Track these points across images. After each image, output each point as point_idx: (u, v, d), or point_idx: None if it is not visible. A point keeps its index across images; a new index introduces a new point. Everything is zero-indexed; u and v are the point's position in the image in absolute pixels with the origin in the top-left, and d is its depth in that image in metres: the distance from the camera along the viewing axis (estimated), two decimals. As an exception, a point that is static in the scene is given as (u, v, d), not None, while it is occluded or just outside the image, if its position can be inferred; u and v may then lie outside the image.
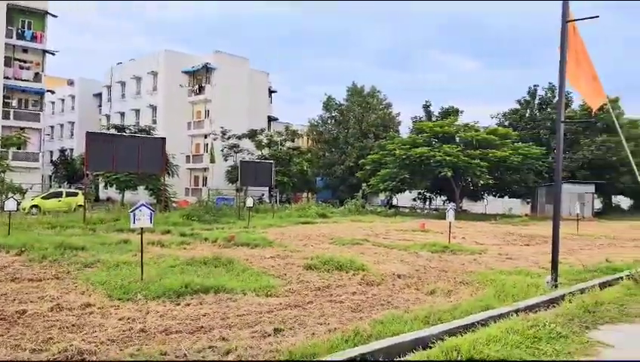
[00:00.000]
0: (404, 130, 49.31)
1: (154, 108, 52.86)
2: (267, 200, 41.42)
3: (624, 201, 48.37)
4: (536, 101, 46.46)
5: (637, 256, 12.20)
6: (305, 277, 8.97)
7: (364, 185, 39.01)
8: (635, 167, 10.98)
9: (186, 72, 52.59)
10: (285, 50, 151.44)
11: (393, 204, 43.30)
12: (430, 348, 4.68)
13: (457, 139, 37.42)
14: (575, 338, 5.35)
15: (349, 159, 47.73)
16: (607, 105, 9.85)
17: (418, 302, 7.32)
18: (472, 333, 5.10)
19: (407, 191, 41.35)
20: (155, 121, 50.42)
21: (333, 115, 53.11)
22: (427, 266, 10.63)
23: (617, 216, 39.31)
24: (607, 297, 6.96)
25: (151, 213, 8.06)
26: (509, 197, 42.99)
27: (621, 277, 8.52)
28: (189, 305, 6.72)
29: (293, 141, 49.21)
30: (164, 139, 24.49)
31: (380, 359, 4.46)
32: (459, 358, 4.34)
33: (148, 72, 52.87)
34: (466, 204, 43.45)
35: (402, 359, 4.46)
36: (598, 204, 43.97)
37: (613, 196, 46.86)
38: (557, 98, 8.33)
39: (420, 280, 9.07)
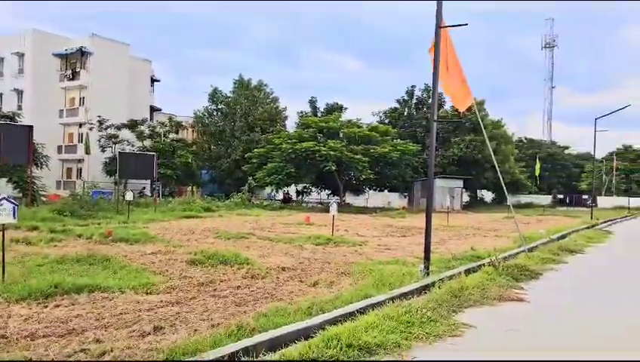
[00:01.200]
0: (291, 125, 49.91)
1: (20, 93, 48.08)
2: (149, 194, 39.64)
3: (487, 195, 53.37)
4: (414, 101, 49.38)
5: (496, 245, 13.48)
6: (188, 272, 8.74)
7: (250, 178, 38.86)
8: (496, 164, 12.15)
9: (58, 55, 48.45)
10: (170, 39, 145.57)
11: (288, 197, 43.68)
12: (312, 337, 4.81)
13: (341, 134, 38.61)
14: (443, 321, 5.81)
15: (235, 152, 47.20)
16: (474, 107, 10.76)
17: (302, 293, 7.46)
18: (351, 321, 5.32)
19: (293, 185, 41.95)
20: (20, 107, 45.84)
21: (219, 107, 52.10)
22: (311, 258, 10.85)
23: (482, 209, 43.23)
24: (471, 282, 7.62)
25: (14, 208, 7.33)
26: (389, 191, 45.30)
27: (483, 264, 9.37)
28: (58, 306, 6.24)
29: (177, 133, 47.53)
30: (31, 127, 22.41)
31: (264, 351, 4.49)
32: (339, 346, 4.52)
33: (12, 52, 47.94)
34: (349, 198, 45.04)
35: (285, 350, 4.53)
36: (465, 198, 47.94)
37: (478, 190, 51.43)
38: (431, 99, 8.91)
39: (304, 272, 9.25)
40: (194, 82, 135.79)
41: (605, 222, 28.77)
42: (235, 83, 52.30)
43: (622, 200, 54.85)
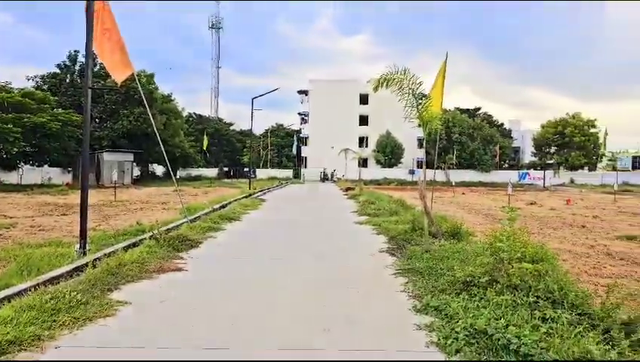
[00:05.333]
0: None
1: None
2: None
3: (159, 169, 53.56)
4: (77, 67, 45.17)
5: (163, 217, 13.59)
6: None
7: None
8: (159, 139, 12.13)
9: None
10: None
11: None
12: None
13: (-16, 99, 32.43)
14: (96, 302, 5.48)
15: None
16: (135, 78, 10.39)
17: None
18: (-24, 321, 4.49)
19: None
20: None
21: None
22: None
23: (154, 182, 43.12)
24: (130, 258, 7.43)
25: None
26: (50, 166, 40.61)
27: (145, 238, 9.27)
28: None
29: None
30: None
31: None
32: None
33: None
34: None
35: None
36: (137, 172, 46.96)
37: (150, 164, 51.06)
38: (85, 62, 8.17)
39: None
40: None
41: (261, 191, 32.44)
42: None
43: (275, 172, 63.02)
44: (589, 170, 64.07)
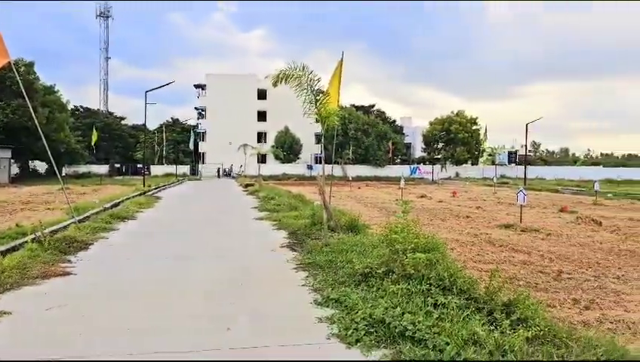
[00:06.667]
0: None
1: None
2: None
3: (42, 166, 49.45)
4: (-59, 53, 40.35)
5: (47, 218, 12.58)
6: None
7: None
8: (42, 134, 11.18)
9: None
10: None
11: None
12: None
13: None
14: (-31, 314, 4.96)
15: None
16: (12, 66, 9.48)
17: None
18: None
19: None
20: None
21: None
22: None
23: (36, 181, 39.77)
24: (9, 263, 6.79)
25: None
26: None
27: (27, 241, 8.50)
28: None
29: None
30: None
31: None
32: None
33: None
34: None
35: None
36: (15, 169, 43.04)
37: (30, 161, 47.05)
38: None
39: None
40: None
41: (156, 188, 31.18)
42: None
43: (171, 169, 60.78)
44: (472, 164, 69.09)
